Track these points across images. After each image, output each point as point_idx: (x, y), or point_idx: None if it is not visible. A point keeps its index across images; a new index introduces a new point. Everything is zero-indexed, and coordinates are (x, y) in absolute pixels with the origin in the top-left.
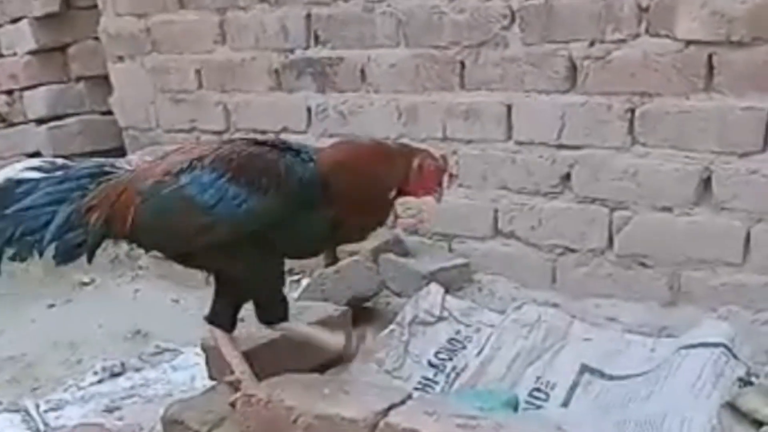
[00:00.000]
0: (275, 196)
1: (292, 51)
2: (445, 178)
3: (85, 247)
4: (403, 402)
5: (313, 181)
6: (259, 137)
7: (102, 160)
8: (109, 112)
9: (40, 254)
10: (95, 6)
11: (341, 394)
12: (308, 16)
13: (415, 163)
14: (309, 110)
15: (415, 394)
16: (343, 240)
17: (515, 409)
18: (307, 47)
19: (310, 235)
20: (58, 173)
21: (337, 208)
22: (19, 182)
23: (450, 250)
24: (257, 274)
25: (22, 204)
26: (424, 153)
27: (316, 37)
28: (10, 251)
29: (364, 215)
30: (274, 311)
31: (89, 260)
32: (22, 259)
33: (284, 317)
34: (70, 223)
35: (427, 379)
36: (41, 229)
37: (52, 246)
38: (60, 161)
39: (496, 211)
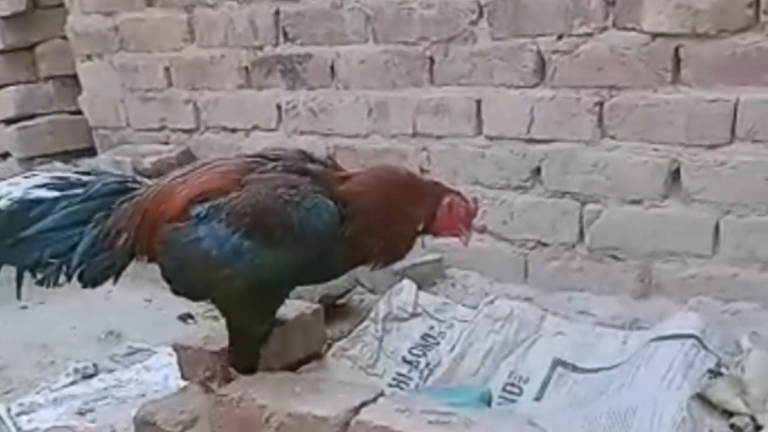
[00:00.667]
0: (289, 250)
1: (261, 48)
2: (473, 221)
3: (113, 270)
4: (374, 399)
5: (330, 230)
6: (284, 157)
7: (120, 174)
8: (79, 112)
9: (69, 278)
10: (62, 5)
11: (313, 393)
12: (277, 12)
13: (445, 202)
14: (279, 107)
15: (390, 390)
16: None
17: (488, 404)
18: (276, 44)
19: (327, 272)
20: (77, 191)
21: (358, 246)
22: (34, 202)
23: (423, 245)
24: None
25: (44, 225)
26: (455, 193)
27: (285, 34)
28: (38, 276)
29: (386, 250)
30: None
31: (115, 282)
32: (50, 285)
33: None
34: (97, 245)
35: (402, 375)
36: (68, 253)
37: (79, 270)
38: (73, 176)
39: None
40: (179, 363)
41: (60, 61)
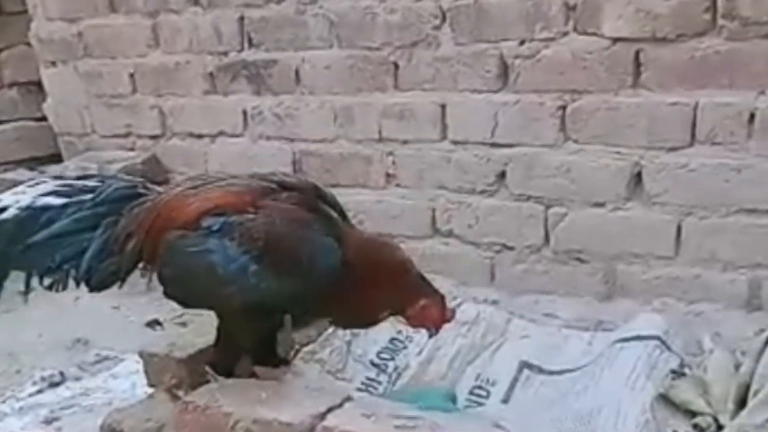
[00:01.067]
0: (294, 281)
1: (226, 54)
2: (444, 325)
3: (119, 274)
4: (341, 404)
5: (334, 270)
6: (299, 188)
7: (130, 179)
8: (44, 118)
9: (77, 283)
10: (26, 11)
11: (279, 398)
12: (241, 18)
13: (420, 304)
14: (245, 113)
15: (358, 394)
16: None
17: (454, 402)
18: (241, 50)
19: (323, 308)
20: (86, 197)
21: (354, 291)
22: (42, 209)
23: None
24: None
25: (52, 231)
26: (438, 296)
27: (250, 40)
28: (47, 280)
29: (350, 319)
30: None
31: (121, 286)
32: (60, 289)
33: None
34: (107, 250)
35: (370, 379)
36: (78, 257)
37: (88, 274)
38: (79, 183)
39: (433, 210)
40: (146, 370)
41: (24, 68)
